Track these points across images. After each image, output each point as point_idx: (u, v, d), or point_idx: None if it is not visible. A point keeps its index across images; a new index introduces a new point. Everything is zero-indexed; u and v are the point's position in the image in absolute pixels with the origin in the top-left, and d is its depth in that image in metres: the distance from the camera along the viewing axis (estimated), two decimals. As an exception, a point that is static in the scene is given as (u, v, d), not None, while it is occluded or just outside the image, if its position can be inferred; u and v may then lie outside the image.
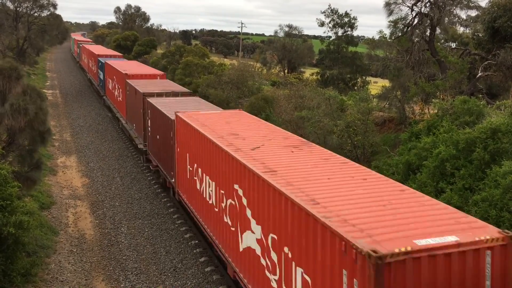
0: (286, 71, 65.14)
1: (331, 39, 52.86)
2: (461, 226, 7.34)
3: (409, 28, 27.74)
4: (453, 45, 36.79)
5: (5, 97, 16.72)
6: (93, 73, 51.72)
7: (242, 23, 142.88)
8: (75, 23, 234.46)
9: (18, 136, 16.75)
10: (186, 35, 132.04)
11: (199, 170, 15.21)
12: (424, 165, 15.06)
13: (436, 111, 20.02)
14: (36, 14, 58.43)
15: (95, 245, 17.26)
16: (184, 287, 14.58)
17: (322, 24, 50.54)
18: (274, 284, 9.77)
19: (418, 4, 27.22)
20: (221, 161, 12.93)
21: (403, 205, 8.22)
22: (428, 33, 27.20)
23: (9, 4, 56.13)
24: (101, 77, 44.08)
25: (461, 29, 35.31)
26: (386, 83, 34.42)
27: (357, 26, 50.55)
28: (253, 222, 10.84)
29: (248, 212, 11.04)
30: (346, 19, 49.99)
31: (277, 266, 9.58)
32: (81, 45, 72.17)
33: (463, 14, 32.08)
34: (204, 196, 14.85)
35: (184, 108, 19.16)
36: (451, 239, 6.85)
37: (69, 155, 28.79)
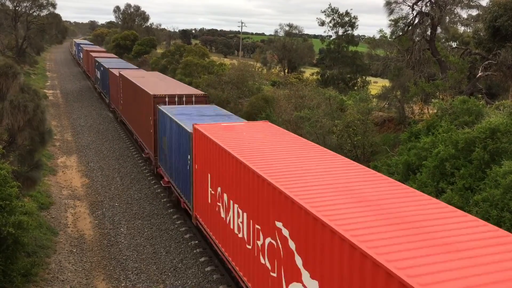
0: (286, 71, 65.12)
1: (331, 38, 52.84)
2: None
3: (409, 28, 27.72)
4: (454, 44, 36.75)
5: (3, 96, 16.70)
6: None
7: (242, 23, 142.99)
8: (74, 22, 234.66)
9: (18, 136, 16.73)
10: (185, 35, 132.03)
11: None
12: (423, 165, 15.05)
13: (435, 111, 20.00)
14: (35, 13, 58.48)
15: (95, 245, 17.26)
16: (185, 286, 14.58)
17: (322, 23, 50.51)
18: None
19: (419, 3, 27.20)
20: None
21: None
22: (428, 33, 27.17)
23: (8, 3, 56.18)
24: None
25: (462, 29, 35.30)
26: (386, 83, 34.40)
27: (357, 25, 50.48)
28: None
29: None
30: (346, 19, 49.93)
31: None
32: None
33: (464, 13, 32.11)
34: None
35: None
36: None
37: (69, 155, 28.79)
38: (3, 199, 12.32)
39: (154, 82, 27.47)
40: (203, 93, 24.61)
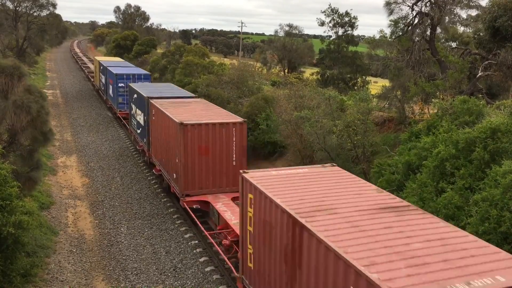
0: (286, 70, 65.10)
1: (331, 38, 52.83)
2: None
3: (409, 28, 27.67)
4: (454, 44, 36.69)
5: (7, 96, 16.73)
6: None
7: (242, 23, 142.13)
8: (75, 22, 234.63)
9: (20, 136, 16.75)
10: (186, 35, 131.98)
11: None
12: (424, 165, 15.03)
13: (436, 111, 19.98)
14: (35, 13, 58.46)
15: (95, 245, 17.25)
16: (184, 287, 14.57)
17: (322, 23, 50.48)
18: None
19: (419, 3, 27.15)
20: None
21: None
22: (428, 33, 27.13)
23: (8, 3, 56.19)
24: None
25: (461, 29, 35.24)
26: (386, 82, 34.35)
27: (357, 25, 50.49)
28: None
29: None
30: (346, 19, 49.92)
31: None
32: None
33: (463, 14, 32.03)
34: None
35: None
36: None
37: (69, 155, 28.77)
38: (3, 199, 12.31)
39: None
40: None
